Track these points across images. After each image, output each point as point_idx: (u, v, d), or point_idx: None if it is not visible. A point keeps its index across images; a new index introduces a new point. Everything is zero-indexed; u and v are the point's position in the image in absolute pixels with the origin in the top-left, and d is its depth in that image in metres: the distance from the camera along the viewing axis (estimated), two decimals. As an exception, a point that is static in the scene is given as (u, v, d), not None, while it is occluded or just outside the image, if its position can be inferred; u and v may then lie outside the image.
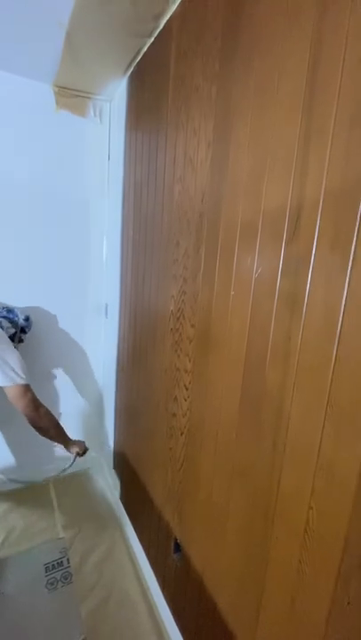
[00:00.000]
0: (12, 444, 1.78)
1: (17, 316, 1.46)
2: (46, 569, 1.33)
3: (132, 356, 1.46)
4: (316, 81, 0.56)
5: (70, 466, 1.48)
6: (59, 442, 1.40)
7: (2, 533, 1.49)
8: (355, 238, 0.50)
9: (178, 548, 1.08)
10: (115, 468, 1.74)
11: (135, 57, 1.28)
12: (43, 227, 1.61)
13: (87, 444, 1.96)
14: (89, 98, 1.58)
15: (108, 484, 1.82)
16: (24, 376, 1.24)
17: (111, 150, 1.66)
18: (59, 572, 1.33)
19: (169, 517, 1.13)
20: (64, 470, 1.51)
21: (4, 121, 1.44)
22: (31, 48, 1.26)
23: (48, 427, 1.32)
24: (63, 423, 1.85)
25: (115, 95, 1.58)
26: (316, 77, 0.56)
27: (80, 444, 1.47)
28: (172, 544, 1.10)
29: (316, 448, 0.57)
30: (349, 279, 0.51)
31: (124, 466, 1.59)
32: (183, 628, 1.05)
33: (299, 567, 0.61)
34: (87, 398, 1.93)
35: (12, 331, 1.43)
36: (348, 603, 0.52)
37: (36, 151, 1.52)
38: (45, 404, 1.77)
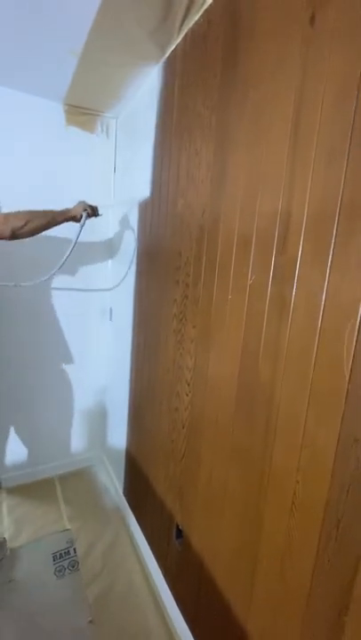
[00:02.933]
0: (21, 439, 1.86)
1: None
2: (54, 558, 1.41)
3: (142, 357, 1.51)
4: (301, 117, 0.66)
5: (82, 227, 1.36)
6: (56, 223, 1.30)
7: (12, 525, 1.57)
8: (331, 252, 0.60)
9: (179, 533, 1.17)
10: (126, 463, 1.74)
11: (143, 82, 1.39)
12: (52, 234, 1.70)
13: (90, 443, 2.06)
14: (97, 115, 1.69)
15: (111, 479, 1.90)
16: None
17: (117, 163, 1.77)
18: (66, 560, 1.41)
19: (171, 505, 1.22)
20: (77, 239, 1.37)
21: (18, 136, 1.55)
22: (45, 72, 1.37)
23: (25, 222, 1.19)
24: (64, 420, 1.95)
25: (121, 113, 1.70)
26: (301, 113, 0.66)
27: (80, 205, 1.36)
28: (174, 530, 1.18)
29: (302, 429, 0.66)
30: (327, 286, 0.61)
31: (129, 461, 1.68)
32: (185, 611, 1.13)
33: (287, 535, 0.70)
34: (91, 398, 2.01)
35: None
36: (328, 560, 0.62)
37: (47, 164, 1.63)
38: (49, 402, 1.86)
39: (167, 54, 1.19)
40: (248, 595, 0.82)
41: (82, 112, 1.66)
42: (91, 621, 1.18)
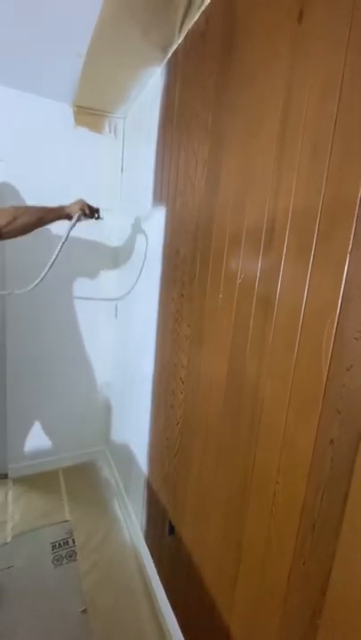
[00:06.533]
0: (28, 433, 1.91)
1: None
2: (53, 547, 1.45)
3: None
4: (288, 117, 0.66)
5: (71, 228, 1.28)
6: (49, 221, 1.22)
7: (15, 514, 1.62)
8: (312, 252, 0.59)
9: (172, 529, 1.18)
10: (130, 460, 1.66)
11: (147, 82, 1.41)
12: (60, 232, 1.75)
13: (93, 438, 2.10)
14: (105, 116, 1.72)
15: (113, 474, 1.94)
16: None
17: (124, 163, 1.79)
18: (64, 550, 1.45)
19: (165, 501, 1.23)
20: (65, 238, 1.27)
21: (28, 137, 1.60)
22: (53, 73, 1.41)
23: (12, 219, 1.09)
24: (70, 415, 2.00)
25: (129, 113, 1.72)
26: (288, 113, 0.66)
27: (77, 203, 1.28)
28: (167, 526, 1.20)
29: (282, 429, 0.66)
30: (308, 285, 0.60)
31: (132, 458, 1.70)
32: (175, 606, 1.14)
33: (267, 535, 0.70)
34: (95, 393, 2.05)
35: None
36: (304, 563, 0.61)
37: (56, 163, 1.67)
38: (55, 397, 1.91)
39: (169, 55, 1.20)
40: (231, 592, 0.82)
41: (90, 113, 1.69)
42: (84, 610, 1.21)
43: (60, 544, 1.47)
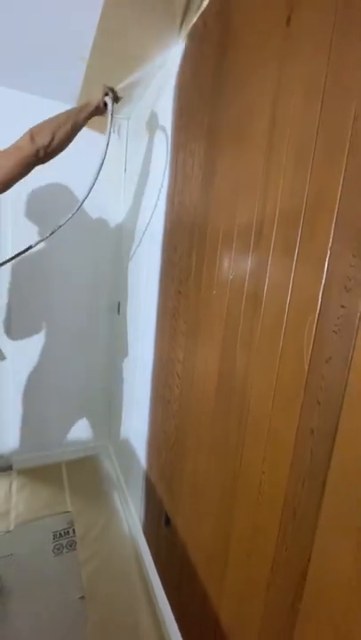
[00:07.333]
0: (33, 426, 1.97)
1: None
2: (54, 536, 1.50)
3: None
4: (275, 119, 0.68)
5: (112, 116, 1.12)
6: (82, 123, 1.09)
7: (18, 504, 1.67)
8: (296, 250, 0.61)
9: (168, 521, 1.20)
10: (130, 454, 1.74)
11: (149, 84, 1.43)
12: (64, 231, 1.79)
13: (97, 433, 2.14)
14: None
15: (114, 468, 1.97)
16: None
17: (127, 163, 1.82)
18: (65, 539, 1.49)
19: (161, 493, 1.26)
20: (108, 142, 1.13)
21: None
22: (57, 75, 1.45)
23: (52, 136, 0.99)
24: (73, 410, 2.04)
25: (132, 113, 1.75)
26: (276, 116, 0.68)
27: (98, 92, 1.12)
28: (163, 518, 1.22)
29: (268, 419, 0.68)
30: (292, 282, 0.62)
31: (132, 453, 1.73)
32: (169, 593, 1.17)
33: (253, 524, 0.72)
34: (98, 389, 2.09)
35: None
36: (286, 549, 0.63)
37: (60, 163, 1.70)
38: (59, 392, 1.94)
39: (169, 57, 1.23)
40: (221, 580, 0.84)
41: (95, 114, 1.72)
42: (82, 597, 1.25)
43: (60, 534, 1.51)
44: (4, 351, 1.35)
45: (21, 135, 0.98)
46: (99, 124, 1.76)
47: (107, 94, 1.11)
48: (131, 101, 1.61)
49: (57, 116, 1.02)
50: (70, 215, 1.16)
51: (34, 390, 1.92)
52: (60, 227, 1.16)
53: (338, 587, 0.52)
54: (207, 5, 0.96)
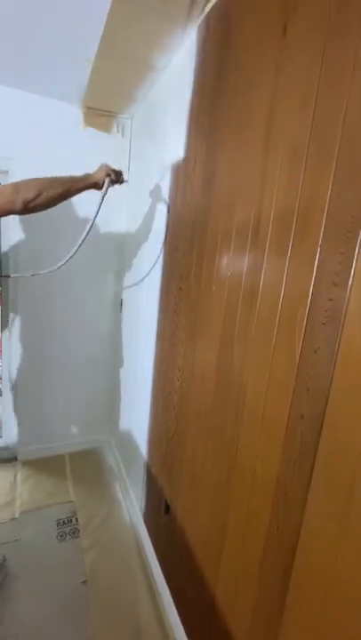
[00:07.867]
0: (38, 418, 2.02)
1: None
2: (58, 524, 1.55)
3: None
4: (272, 123, 0.71)
5: (103, 197, 1.17)
6: (76, 192, 1.11)
7: (23, 493, 1.72)
8: (290, 247, 0.65)
9: (167, 509, 1.25)
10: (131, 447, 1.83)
11: (154, 84, 1.47)
12: (68, 230, 1.84)
13: (100, 426, 2.19)
14: (113, 116, 1.79)
15: (116, 460, 2.02)
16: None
17: (131, 162, 1.86)
18: (68, 527, 1.54)
19: (162, 482, 1.30)
20: (98, 210, 1.18)
21: (40, 137, 1.68)
22: (63, 76, 1.49)
23: (38, 193, 1.00)
24: (77, 403, 2.09)
25: (136, 114, 1.78)
26: (272, 120, 0.71)
27: (102, 169, 1.17)
28: (163, 506, 1.27)
29: (262, 406, 0.72)
30: (286, 278, 0.66)
31: (133, 445, 1.78)
32: (168, 578, 1.22)
33: (247, 506, 0.76)
34: (101, 385, 2.14)
35: None
36: (277, 528, 0.67)
37: (65, 162, 1.75)
38: (64, 386, 1.99)
39: (173, 60, 1.26)
40: (217, 561, 0.89)
41: (99, 114, 1.76)
42: (84, 582, 1.30)
43: (64, 521, 1.56)
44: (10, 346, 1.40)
45: (7, 183, 1.01)
46: (105, 125, 1.80)
47: (108, 175, 1.17)
48: (134, 102, 1.65)
49: (52, 178, 1.04)
50: (75, 249, 1.23)
51: (38, 385, 1.97)
52: (68, 259, 1.24)
53: (323, 560, 0.56)
54: (210, 9, 0.99)
